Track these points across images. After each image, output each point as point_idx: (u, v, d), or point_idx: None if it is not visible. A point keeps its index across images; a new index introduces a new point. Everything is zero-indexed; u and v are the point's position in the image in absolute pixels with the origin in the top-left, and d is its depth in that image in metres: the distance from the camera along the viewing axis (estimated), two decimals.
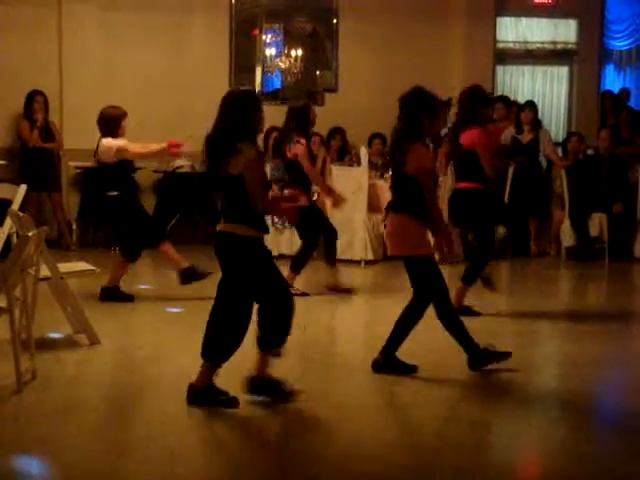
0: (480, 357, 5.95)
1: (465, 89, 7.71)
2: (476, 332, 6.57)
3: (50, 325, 6.91)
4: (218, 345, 5.20)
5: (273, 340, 5.25)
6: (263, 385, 5.29)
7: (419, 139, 5.83)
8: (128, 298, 8.07)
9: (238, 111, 5.14)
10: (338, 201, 8.49)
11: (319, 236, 8.48)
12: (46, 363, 5.96)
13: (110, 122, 7.99)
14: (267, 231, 5.31)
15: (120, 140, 7.97)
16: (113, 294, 8.02)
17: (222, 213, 5.25)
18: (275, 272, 5.28)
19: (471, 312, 7.50)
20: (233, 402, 5.19)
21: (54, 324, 6.91)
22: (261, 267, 5.17)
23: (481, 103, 7.52)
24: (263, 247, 5.25)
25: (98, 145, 8.08)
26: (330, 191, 8.44)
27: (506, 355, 6.01)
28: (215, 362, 5.21)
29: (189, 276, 8.18)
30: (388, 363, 5.90)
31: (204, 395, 5.18)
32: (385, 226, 6.03)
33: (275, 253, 9.92)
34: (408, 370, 5.91)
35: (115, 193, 7.99)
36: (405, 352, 5.97)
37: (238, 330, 5.17)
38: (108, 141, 7.96)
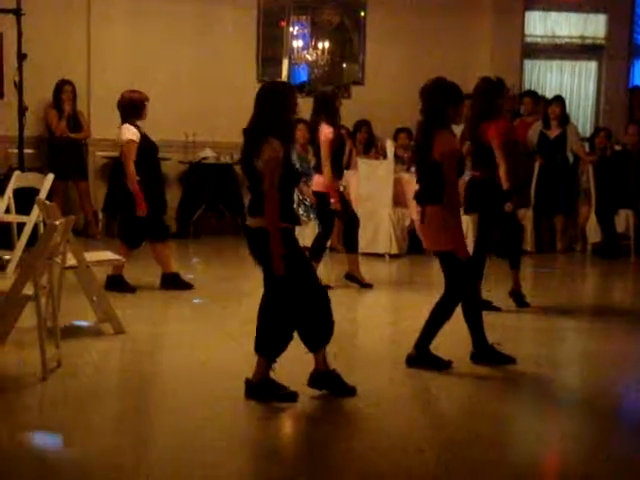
0: (485, 353, 6.01)
1: (478, 83, 7.59)
2: (499, 327, 6.57)
3: (75, 314, 6.95)
4: (269, 339, 5.17)
5: (316, 338, 5.21)
6: (323, 379, 5.25)
7: (445, 126, 5.80)
8: (130, 289, 8.02)
9: (269, 104, 5.10)
10: (335, 204, 8.29)
11: (333, 223, 8.48)
12: (71, 351, 6.00)
13: (134, 106, 7.99)
14: (296, 222, 5.25)
15: (135, 135, 7.94)
16: (118, 284, 7.98)
17: (249, 206, 5.22)
18: (306, 266, 5.24)
19: (491, 307, 7.48)
20: (292, 396, 5.18)
21: (79, 313, 6.96)
22: (290, 260, 5.06)
23: (496, 94, 7.42)
24: (291, 239, 5.15)
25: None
26: (333, 190, 8.26)
27: (510, 360, 6.03)
28: (268, 357, 5.18)
29: (172, 282, 8.20)
30: (422, 357, 5.88)
31: (262, 389, 5.16)
32: (422, 220, 5.89)
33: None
34: (442, 365, 5.88)
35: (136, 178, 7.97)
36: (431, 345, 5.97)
37: (287, 323, 5.15)
38: (128, 127, 7.95)
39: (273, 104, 5.10)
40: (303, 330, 5.20)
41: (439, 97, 5.79)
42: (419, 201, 5.94)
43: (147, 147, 8.04)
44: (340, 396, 5.26)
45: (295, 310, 5.16)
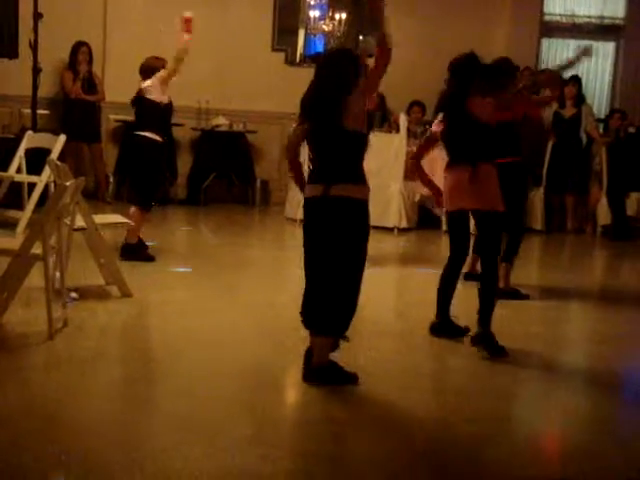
0: (487, 340, 5.71)
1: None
2: (505, 306, 6.55)
3: (83, 275, 6.98)
4: (334, 315, 4.91)
5: (339, 322, 4.95)
6: (321, 373, 4.98)
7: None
8: (149, 258, 7.90)
9: (337, 68, 5.03)
10: None
11: None
12: (77, 312, 6.03)
13: (152, 70, 7.98)
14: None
15: (155, 77, 7.95)
16: (135, 250, 7.87)
17: (329, 173, 4.83)
18: (363, 247, 4.92)
19: (520, 295, 7.25)
20: (353, 378, 5.00)
21: (87, 274, 6.98)
22: (355, 235, 4.86)
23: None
24: (366, 212, 4.88)
25: (141, 90, 8.02)
26: None
27: (502, 352, 5.71)
28: (333, 334, 4.95)
29: (132, 252, 7.86)
30: (484, 338, 5.68)
31: (324, 372, 4.96)
32: (471, 180, 5.73)
33: None
34: (499, 351, 5.66)
35: (147, 134, 7.93)
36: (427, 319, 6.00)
37: (351, 294, 4.90)
38: (151, 80, 7.94)
39: (343, 69, 5.04)
40: (328, 310, 4.90)
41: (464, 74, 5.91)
42: (470, 160, 5.78)
43: (163, 108, 8.01)
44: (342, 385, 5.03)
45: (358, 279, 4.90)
